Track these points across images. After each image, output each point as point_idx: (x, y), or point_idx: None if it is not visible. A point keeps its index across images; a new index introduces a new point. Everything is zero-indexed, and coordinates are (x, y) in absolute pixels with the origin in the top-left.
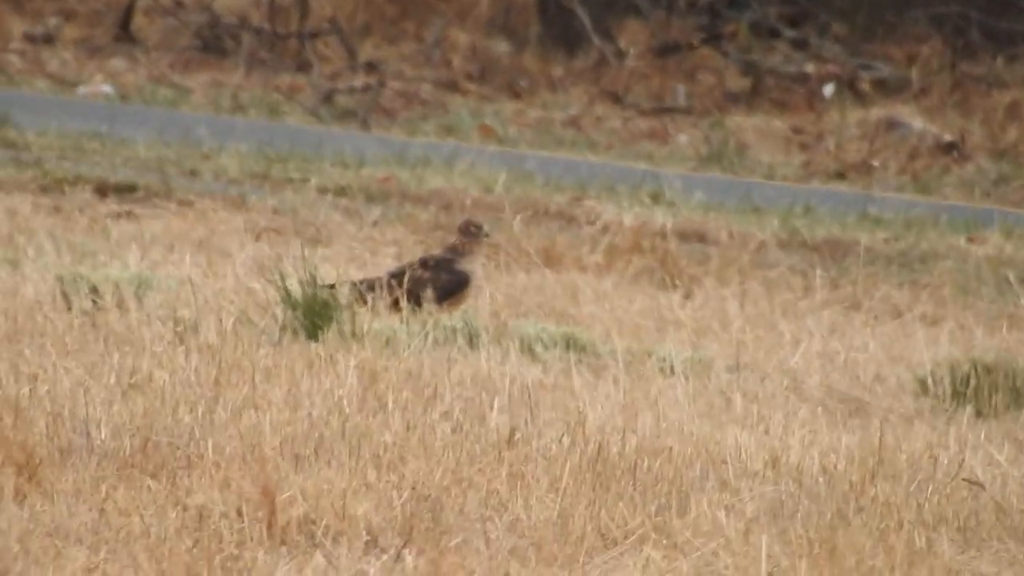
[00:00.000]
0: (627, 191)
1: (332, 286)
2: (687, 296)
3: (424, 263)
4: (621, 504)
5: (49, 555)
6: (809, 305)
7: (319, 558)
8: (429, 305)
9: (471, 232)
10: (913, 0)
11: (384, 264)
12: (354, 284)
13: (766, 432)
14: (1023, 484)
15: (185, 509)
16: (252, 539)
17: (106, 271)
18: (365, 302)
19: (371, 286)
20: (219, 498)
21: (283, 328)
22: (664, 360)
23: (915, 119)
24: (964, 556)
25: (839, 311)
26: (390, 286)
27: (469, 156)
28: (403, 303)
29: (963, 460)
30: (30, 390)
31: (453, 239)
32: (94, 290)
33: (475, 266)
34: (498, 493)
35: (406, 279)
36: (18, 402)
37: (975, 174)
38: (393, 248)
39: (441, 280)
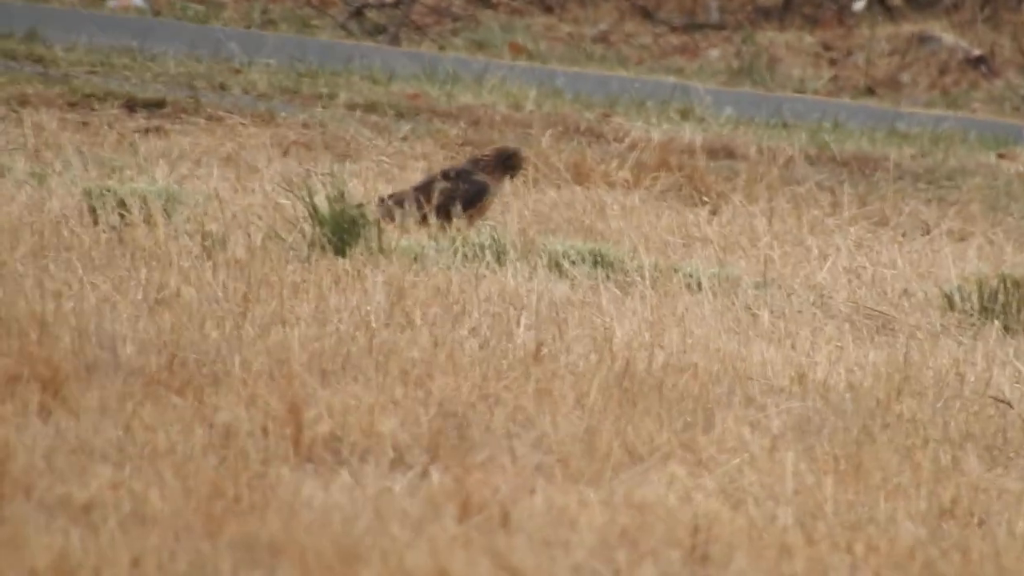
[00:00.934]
0: (656, 107)
1: (360, 205)
2: (714, 212)
3: (445, 175)
4: (647, 420)
5: (74, 471)
6: (837, 221)
7: (345, 475)
8: (458, 220)
9: (504, 161)
10: None
11: (413, 180)
12: (381, 200)
13: (792, 348)
14: None
15: (211, 426)
16: (278, 456)
17: (133, 186)
18: (393, 218)
19: (399, 201)
20: (245, 415)
21: (311, 244)
22: (691, 276)
23: (945, 34)
24: (991, 473)
25: (867, 227)
26: (416, 200)
27: (499, 72)
28: (431, 218)
29: (990, 377)
30: (56, 306)
31: (486, 154)
32: (121, 204)
33: (497, 180)
34: (525, 409)
35: (434, 193)
36: (44, 318)
37: (1005, 90)
38: (422, 163)
39: (460, 190)
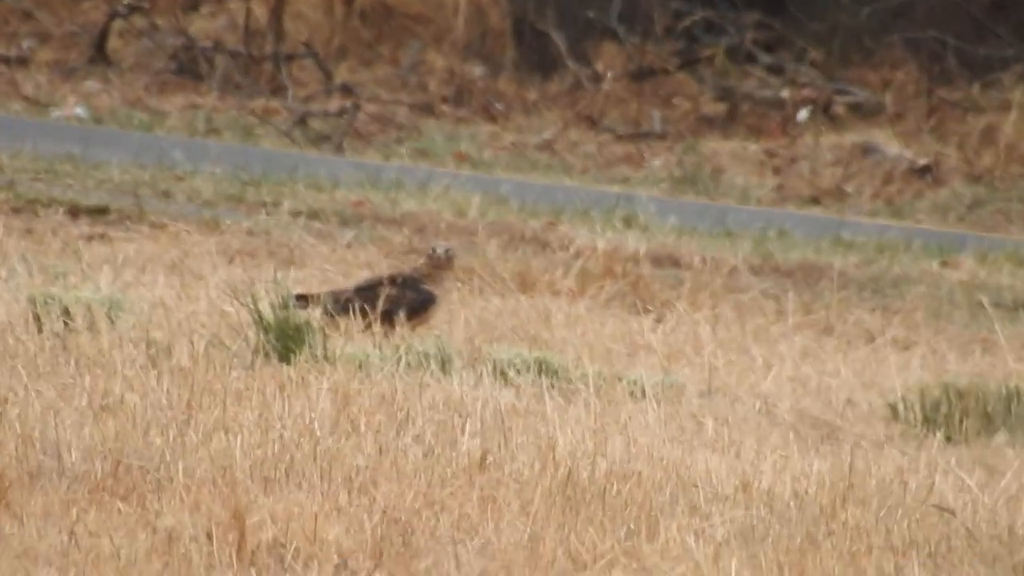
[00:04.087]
0: (601, 215)
1: (303, 296)
2: (659, 320)
3: (392, 280)
4: (591, 528)
5: None
6: (781, 329)
7: None
8: (402, 327)
9: (438, 256)
10: (889, 26)
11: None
12: (318, 296)
13: (737, 456)
14: (993, 510)
15: (155, 532)
16: (222, 562)
17: (78, 293)
18: (331, 316)
19: (337, 299)
20: (189, 521)
21: (255, 351)
22: (635, 384)
23: (890, 144)
24: None
25: (811, 335)
26: (356, 300)
27: (443, 180)
28: (375, 324)
29: (933, 485)
30: (0, 412)
31: (421, 261)
32: (66, 312)
33: (442, 288)
34: (469, 517)
35: (382, 299)
36: None
37: (949, 198)
38: (366, 271)
39: (407, 298)
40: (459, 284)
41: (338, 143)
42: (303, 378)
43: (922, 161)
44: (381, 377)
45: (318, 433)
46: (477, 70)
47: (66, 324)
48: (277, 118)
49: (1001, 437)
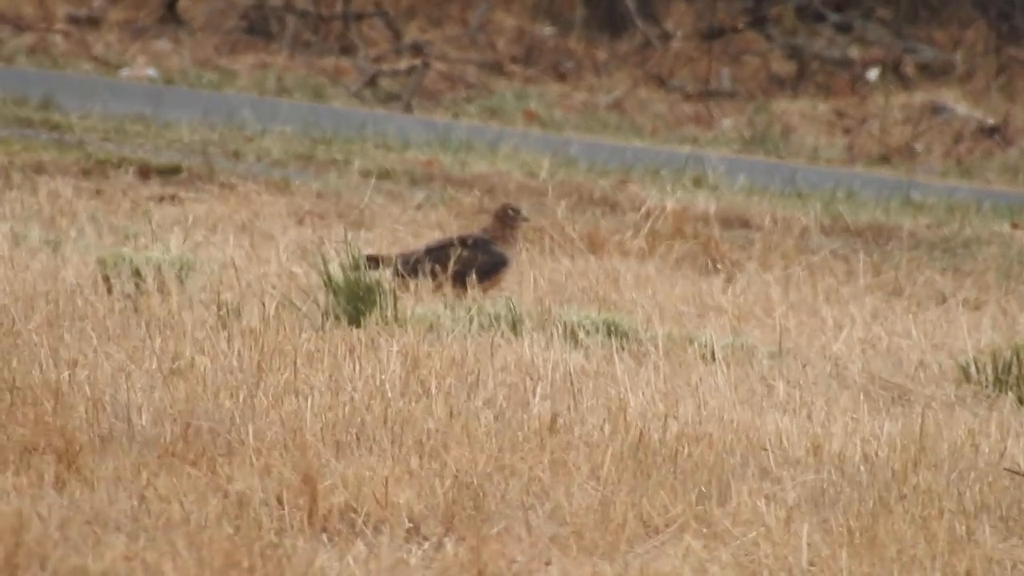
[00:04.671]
0: (670, 175)
1: (373, 257)
2: (729, 281)
3: (463, 241)
4: (662, 492)
5: (88, 543)
6: (852, 290)
7: (360, 546)
8: (473, 289)
9: (509, 216)
10: None
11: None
12: (389, 258)
13: (808, 419)
14: None
15: (226, 496)
16: (293, 527)
17: (148, 254)
18: (402, 277)
19: (407, 260)
20: (259, 485)
21: (325, 312)
22: (705, 346)
23: (959, 103)
24: (1005, 545)
25: (882, 297)
26: (427, 261)
27: (513, 140)
28: (446, 286)
29: (1005, 448)
30: (70, 375)
31: (489, 221)
32: (136, 273)
33: (513, 249)
34: (540, 480)
35: (452, 260)
36: (58, 387)
37: (1019, 159)
38: (436, 232)
39: (479, 260)
40: (528, 245)
41: (407, 102)
42: (373, 340)
43: (991, 121)
44: (451, 339)
45: (389, 396)
46: (546, 29)
47: (136, 285)
48: (347, 77)
49: None
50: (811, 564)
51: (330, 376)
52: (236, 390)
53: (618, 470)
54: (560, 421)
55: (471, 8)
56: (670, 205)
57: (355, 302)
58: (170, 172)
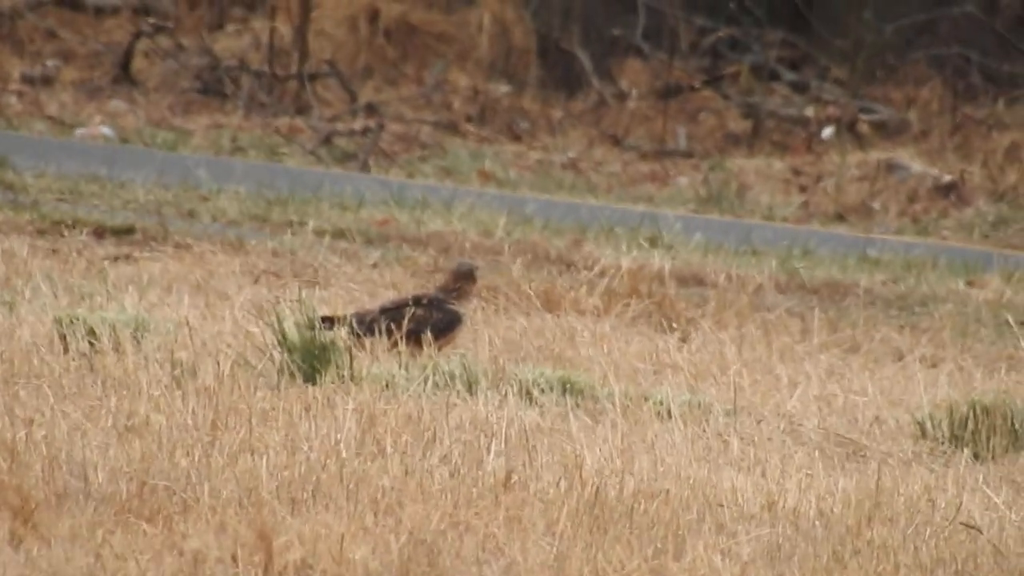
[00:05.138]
0: (626, 234)
1: (328, 318)
2: (684, 339)
3: (418, 300)
4: (618, 547)
5: None
6: (807, 348)
7: None
8: (429, 347)
9: (463, 274)
10: (913, 42)
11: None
12: (344, 317)
13: (763, 475)
14: (1021, 528)
15: (181, 554)
16: None
17: (103, 313)
18: (357, 336)
19: (362, 319)
20: (215, 543)
21: (281, 371)
22: (661, 404)
23: (914, 161)
24: None
25: (838, 354)
26: (382, 320)
27: (469, 199)
28: (401, 345)
29: (961, 504)
30: (26, 434)
31: (444, 279)
32: (91, 332)
33: (468, 307)
34: (495, 537)
35: (407, 318)
36: (14, 446)
37: (974, 216)
38: (392, 291)
39: (433, 318)
40: (484, 303)
41: (363, 162)
42: (329, 398)
43: (947, 178)
44: (407, 397)
45: (344, 454)
46: (501, 88)
47: (92, 345)
48: (302, 137)
49: None
50: None
51: (286, 434)
52: (191, 448)
53: (574, 526)
54: (515, 478)
55: (426, 68)
56: (625, 264)
57: (311, 360)
58: (125, 232)
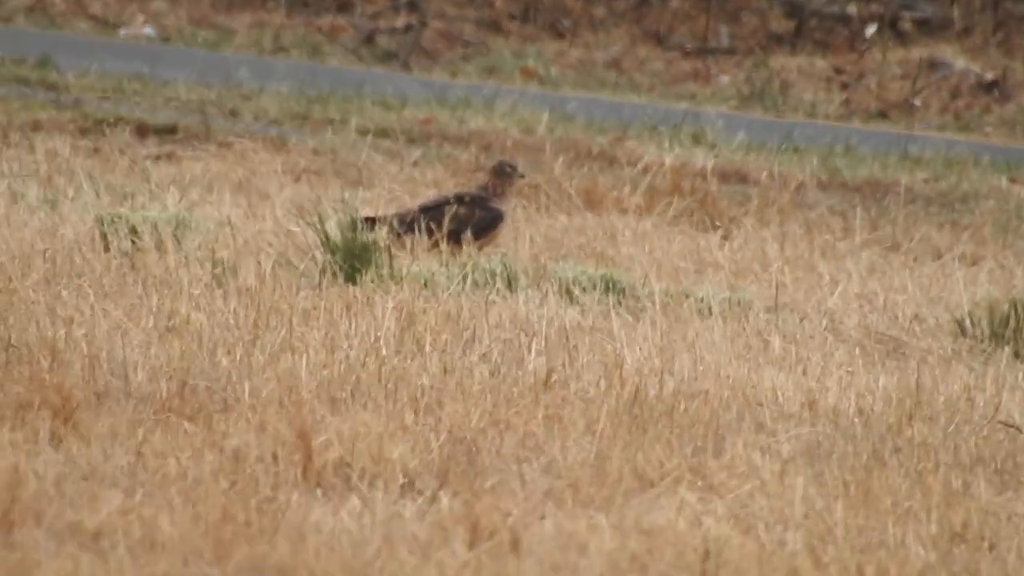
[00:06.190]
0: (668, 132)
1: (370, 217)
2: (726, 237)
3: (459, 198)
4: (657, 446)
5: (84, 498)
6: (848, 246)
7: (355, 501)
8: (468, 246)
9: (505, 172)
10: None
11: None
12: (385, 218)
13: (803, 373)
14: None
15: (221, 452)
16: (288, 482)
17: (145, 212)
18: (398, 235)
19: (402, 220)
20: (255, 441)
21: (322, 270)
22: (702, 301)
23: (957, 58)
24: (1001, 498)
25: (878, 252)
26: (422, 219)
27: (510, 97)
28: (442, 243)
29: (1000, 402)
30: (67, 333)
31: (485, 178)
32: (133, 231)
33: (508, 205)
34: (535, 435)
35: (447, 218)
36: (55, 345)
37: (1017, 113)
38: (433, 189)
39: (475, 217)
40: (525, 201)
41: (405, 61)
42: (369, 298)
43: (989, 76)
44: (447, 296)
45: (384, 353)
46: None
47: (133, 243)
48: (344, 35)
49: None
50: (805, 517)
51: (326, 334)
52: (232, 347)
53: (613, 425)
54: (555, 377)
55: None
56: (668, 161)
57: (351, 260)
58: (167, 131)
